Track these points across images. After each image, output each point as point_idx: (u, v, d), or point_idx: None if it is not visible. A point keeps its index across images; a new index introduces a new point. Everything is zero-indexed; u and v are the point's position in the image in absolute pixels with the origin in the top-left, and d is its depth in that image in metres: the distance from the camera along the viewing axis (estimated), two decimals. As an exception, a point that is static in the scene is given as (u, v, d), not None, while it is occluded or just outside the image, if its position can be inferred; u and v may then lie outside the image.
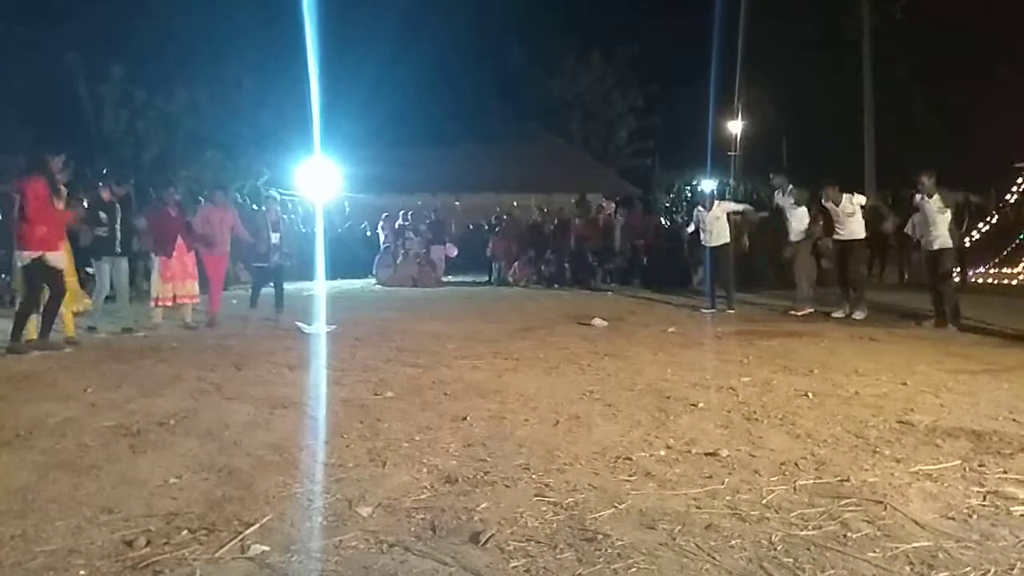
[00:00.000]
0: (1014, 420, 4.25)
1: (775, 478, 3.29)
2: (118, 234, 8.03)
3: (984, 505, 2.96)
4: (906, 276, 13.38)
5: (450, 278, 16.13)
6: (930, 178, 8.05)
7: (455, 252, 16.13)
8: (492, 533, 2.68)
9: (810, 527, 2.75)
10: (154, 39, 19.59)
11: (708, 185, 19.15)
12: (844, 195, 9.01)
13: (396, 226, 16.25)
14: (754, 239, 11.41)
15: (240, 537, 2.67)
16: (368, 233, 18.16)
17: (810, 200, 9.61)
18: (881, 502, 2.98)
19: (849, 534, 2.68)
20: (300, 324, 8.24)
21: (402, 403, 4.75)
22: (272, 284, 9.34)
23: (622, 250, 14.84)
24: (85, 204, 7.97)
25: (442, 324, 8.76)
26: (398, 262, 15.41)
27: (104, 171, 8.50)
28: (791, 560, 2.47)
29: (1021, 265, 14.18)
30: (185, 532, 2.71)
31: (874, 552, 2.53)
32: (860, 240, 9.10)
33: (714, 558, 2.49)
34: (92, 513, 2.90)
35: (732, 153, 29.19)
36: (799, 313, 9.28)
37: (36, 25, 18.37)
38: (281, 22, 19.06)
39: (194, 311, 8.66)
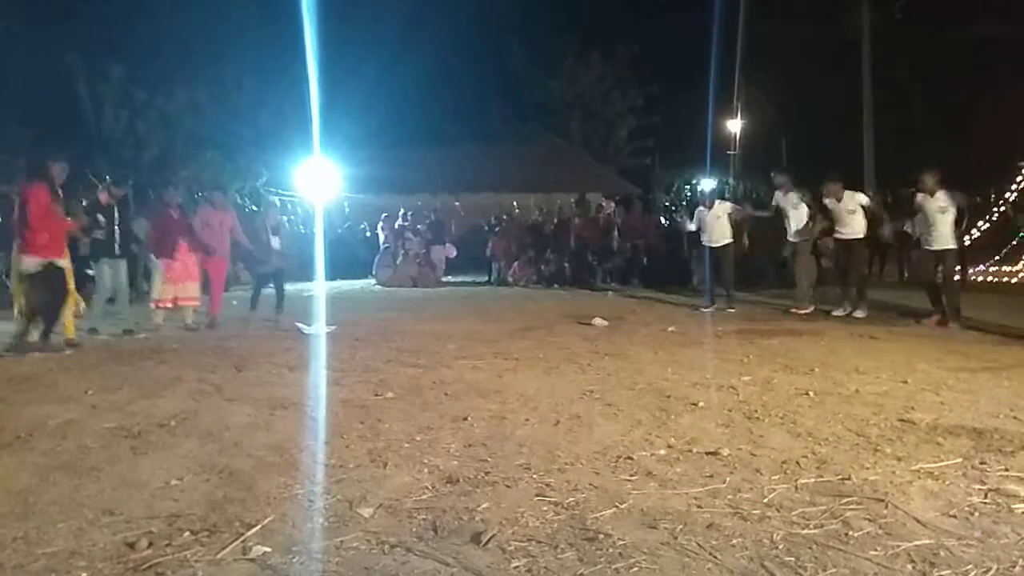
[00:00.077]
0: (1015, 418, 4.25)
1: (776, 477, 3.29)
2: (117, 236, 8.03)
3: (985, 503, 2.96)
4: (906, 274, 13.38)
5: (450, 278, 16.12)
6: (932, 177, 8.04)
7: (454, 253, 16.13)
8: (493, 533, 2.68)
9: (811, 526, 2.75)
10: (154, 39, 19.58)
11: (708, 184, 19.13)
12: (846, 192, 9.00)
13: (396, 226, 16.25)
14: (754, 239, 11.41)
15: (242, 538, 2.67)
16: (368, 233, 18.15)
17: (812, 199, 9.59)
18: (882, 500, 2.98)
19: (850, 532, 2.68)
20: (300, 325, 8.25)
21: (402, 403, 4.75)
22: (272, 285, 9.35)
23: (620, 250, 14.84)
24: (84, 203, 7.96)
25: (442, 324, 8.76)
26: (398, 262, 15.40)
27: (105, 175, 8.46)
28: (793, 559, 2.47)
29: (1021, 263, 14.18)
30: (187, 534, 2.71)
31: (876, 550, 2.53)
32: (860, 239, 9.09)
33: (716, 557, 2.49)
34: (93, 515, 2.90)
35: (732, 152, 29.18)
36: (800, 312, 9.28)
37: (36, 25, 18.37)
38: (281, 22, 19.04)
39: (195, 313, 8.66)
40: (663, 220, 18.47)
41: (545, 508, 2.94)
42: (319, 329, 8.06)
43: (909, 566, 2.42)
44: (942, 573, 2.38)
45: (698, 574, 2.39)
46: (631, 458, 3.57)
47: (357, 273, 16.34)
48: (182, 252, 8.44)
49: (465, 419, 4.31)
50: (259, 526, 2.78)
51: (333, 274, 14.77)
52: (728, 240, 10.05)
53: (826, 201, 9.09)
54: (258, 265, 9.46)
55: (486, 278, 16.03)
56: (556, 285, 14.45)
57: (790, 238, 9.72)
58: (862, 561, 2.45)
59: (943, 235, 8.03)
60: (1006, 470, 3.35)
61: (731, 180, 24.59)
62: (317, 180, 18.50)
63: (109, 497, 3.10)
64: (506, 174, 22.98)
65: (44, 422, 4.29)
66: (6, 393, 5.12)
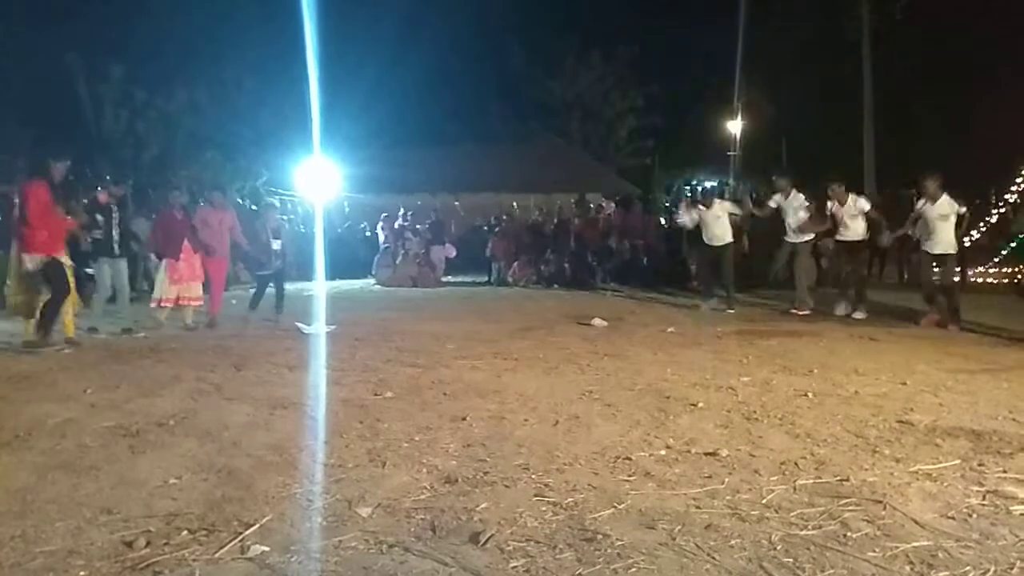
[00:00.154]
0: (1013, 419, 4.25)
1: (775, 478, 3.29)
2: (116, 236, 8.03)
3: (984, 504, 2.96)
4: (906, 276, 13.38)
5: (450, 278, 16.12)
6: (934, 182, 8.04)
7: (454, 253, 16.13)
8: (492, 533, 2.68)
9: (810, 527, 2.75)
10: (154, 39, 19.60)
11: (708, 185, 19.15)
12: (850, 196, 9.01)
13: (395, 226, 16.25)
14: (754, 239, 11.39)
15: (240, 538, 2.67)
16: (368, 233, 18.15)
17: (811, 200, 9.58)
18: (881, 502, 2.98)
19: (849, 534, 2.68)
20: (300, 324, 8.25)
21: (402, 403, 4.75)
22: (273, 285, 9.35)
23: (619, 250, 14.84)
24: (84, 203, 7.96)
25: (442, 324, 8.76)
26: (397, 262, 15.40)
27: (105, 175, 8.47)
28: (791, 560, 2.47)
29: (1021, 265, 14.16)
30: (185, 533, 2.71)
31: (874, 551, 2.53)
32: (861, 241, 9.10)
33: (714, 558, 2.49)
34: (92, 514, 2.90)
35: (732, 153, 29.22)
36: (799, 313, 9.28)
37: (36, 25, 18.37)
38: (281, 22, 19.05)
39: (194, 312, 8.67)
40: (663, 220, 18.48)
41: (544, 508, 2.94)
42: (319, 329, 8.06)
43: (907, 567, 2.42)
44: (940, 574, 2.38)
45: (696, 575, 2.39)
46: (630, 458, 3.57)
47: (357, 273, 16.33)
48: (186, 252, 8.47)
49: (464, 419, 4.31)
50: (257, 525, 2.78)
51: (333, 274, 14.77)
52: (728, 240, 10.04)
53: (829, 204, 9.09)
54: (258, 267, 9.48)
55: (486, 278, 16.03)
56: (556, 285, 14.44)
57: (789, 238, 9.70)
58: (860, 562, 2.45)
59: (943, 240, 8.04)
60: (1004, 472, 3.35)
61: (731, 181, 24.60)
62: (317, 180, 18.51)
63: (107, 496, 3.10)
64: (506, 174, 22.98)
65: (43, 421, 4.29)
66: (5, 392, 5.12)
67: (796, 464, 3.47)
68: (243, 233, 9.10)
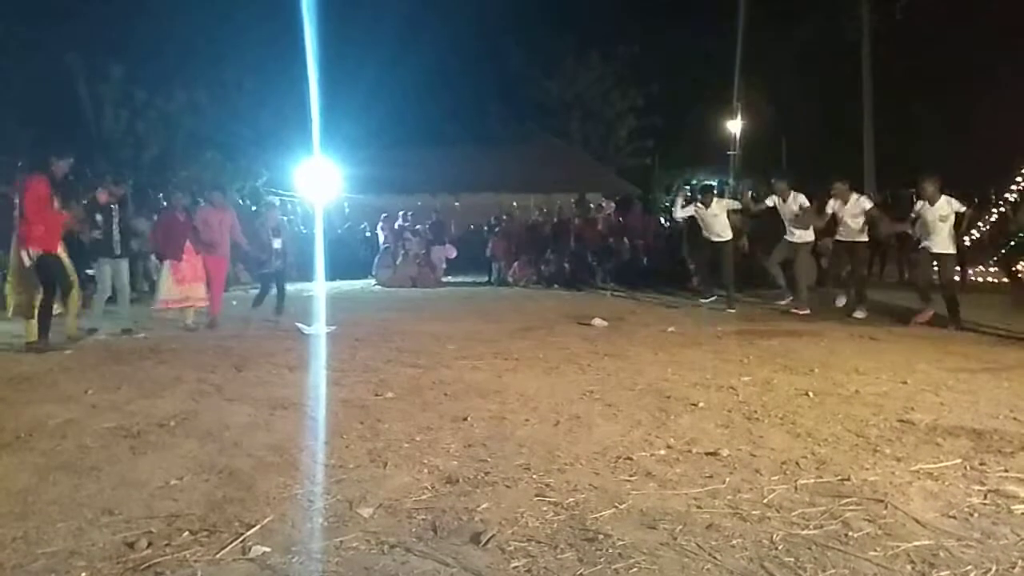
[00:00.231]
0: (1014, 418, 4.25)
1: (776, 477, 3.29)
2: (116, 235, 8.03)
3: (985, 503, 2.96)
4: (906, 275, 13.38)
5: (450, 278, 16.12)
6: (932, 184, 8.04)
7: (454, 253, 16.13)
8: (493, 533, 2.68)
9: (811, 526, 2.75)
10: (154, 39, 19.59)
11: (707, 183, 19.16)
12: (853, 194, 9.01)
13: (395, 227, 16.25)
14: (754, 239, 11.39)
15: (241, 538, 2.67)
16: (368, 234, 18.15)
17: (812, 200, 9.58)
18: (882, 501, 2.98)
19: (850, 533, 2.68)
20: (300, 325, 8.24)
21: (402, 404, 4.75)
22: (274, 286, 9.36)
23: (618, 250, 14.83)
24: (84, 203, 7.96)
25: (442, 324, 8.76)
26: (398, 263, 15.40)
27: (105, 175, 8.47)
28: (792, 559, 2.47)
29: (1021, 264, 14.16)
30: (186, 533, 2.71)
31: (875, 551, 2.53)
32: (861, 241, 9.10)
33: (715, 558, 2.49)
34: (93, 515, 2.90)
35: (731, 152, 29.22)
36: (799, 312, 9.28)
37: (36, 25, 18.37)
38: (281, 22, 19.04)
39: (195, 313, 8.67)
40: (663, 220, 18.49)
41: (545, 508, 2.94)
42: (319, 329, 8.06)
43: (908, 567, 2.42)
44: (941, 574, 2.38)
45: (697, 575, 2.39)
46: (631, 458, 3.57)
47: (357, 273, 16.33)
48: (188, 253, 8.47)
49: (465, 419, 4.31)
50: (259, 526, 2.78)
51: (333, 274, 14.77)
52: (728, 237, 10.05)
53: (831, 202, 9.08)
54: (259, 266, 9.48)
55: (486, 278, 16.03)
56: (556, 285, 14.44)
57: (788, 238, 9.69)
58: (862, 562, 2.45)
59: (942, 240, 8.04)
60: (1005, 471, 3.35)
61: (731, 180, 24.62)
62: (317, 180, 18.51)
63: (108, 497, 3.10)
64: (506, 174, 22.98)
65: (44, 422, 4.29)
66: (6, 393, 5.12)
67: (797, 463, 3.47)
68: (243, 232, 9.10)
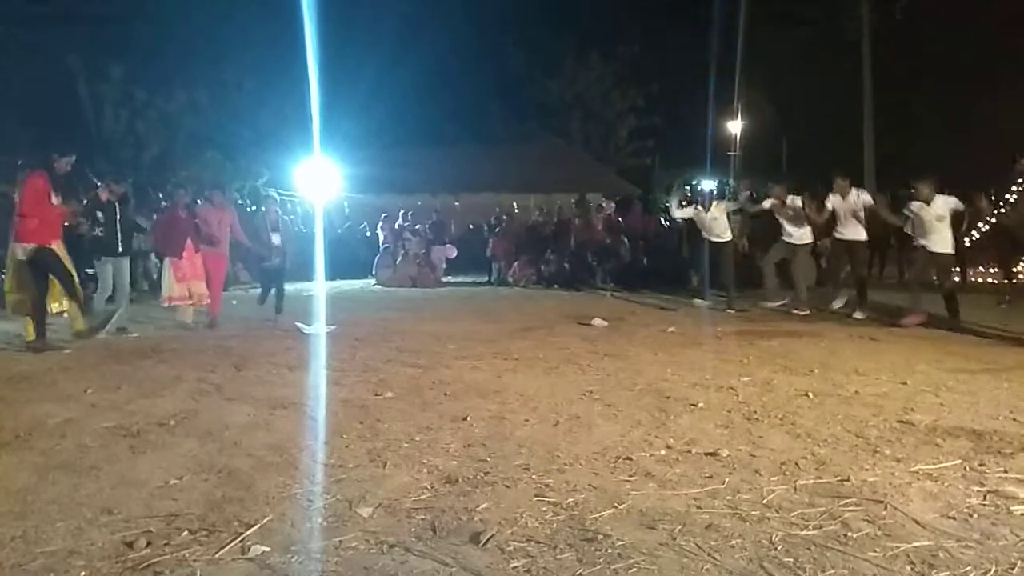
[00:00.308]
0: (1014, 419, 4.25)
1: (775, 478, 3.29)
2: (118, 234, 8.03)
3: (984, 504, 2.96)
4: (906, 275, 13.37)
5: (450, 278, 16.13)
6: (928, 186, 8.03)
7: (454, 253, 16.13)
8: (492, 533, 2.68)
9: (811, 527, 2.75)
10: (154, 39, 19.61)
11: (708, 185, 19.17)
12: (853, 189, 9.00)
13: (395, 226, 16.25)
14: (754, 239, 11.40)
15: (240, 538, 2.67)
16: (368, 233, 18.15)
17: (809, 200, 9.58)
18: (881, 502, 2.98)
19: (850, 534, 2.68)
20: (300, 325, 8.24)
21: (402, 403, 4.75)
22: (273, 284, 9.36)
23: (617, 250, 14.83)
24: (85, 202, 7.96)
25: (442, 324, 8.76)
26: (397, 262, 15.40)
27: (105, 175, 8.48)
28: (792, 560, 2.47)
29: (1021, 265, 14.15)
30: (185, 533, 2.71)
31: (875, 552, 2.53)
32: (861, 241, 9.09)
33: (714, 558, 2.49)
34: (92, 514, 2.90)
35: (732, 153, 29.25)
36: (798, 313, 9.28)
37: (36, 26, 18.38)
38: (281, 22, 19.05)
39: (194, 312, 8.67)
40: (663, 220, 18.49)
41: (544, 508, 2.94)
42: (319, 329, 8.06)
43: (908, 567, 2.42)
44: (941, 575, 2.38)
45: (697, 575, 2.39)
46: (630, 459, 3.57)
47: (357, 273, 16.33)
48: (188, 251, 8.47)
49: (464, 419, 4.31)
50: (258, 525, 2.78)
51: (333, 274, 14.77)
52: (727, 237, 10.05)
53: (831, 197, 9.06)
54: (259, 262, 9.47)
55: (486, 278, 16.03)
56: (556, 285, 14.44)
57: (785, 239, 9.68)
58: (861, 562, 2.45)
59: (940, 240, 8.04)
60: (1005, 472, 3.35)
61: (731, 181, 24.62)
62: (317, 180, 18.50)
63: (108, 496, 3.10)
64: (506, 174, 22.99)
65: (43, 421, 4.29)
66: (5, 392, 5.12)
67: (797, 464, 3.47)
68: (243, 230, 9.10)
